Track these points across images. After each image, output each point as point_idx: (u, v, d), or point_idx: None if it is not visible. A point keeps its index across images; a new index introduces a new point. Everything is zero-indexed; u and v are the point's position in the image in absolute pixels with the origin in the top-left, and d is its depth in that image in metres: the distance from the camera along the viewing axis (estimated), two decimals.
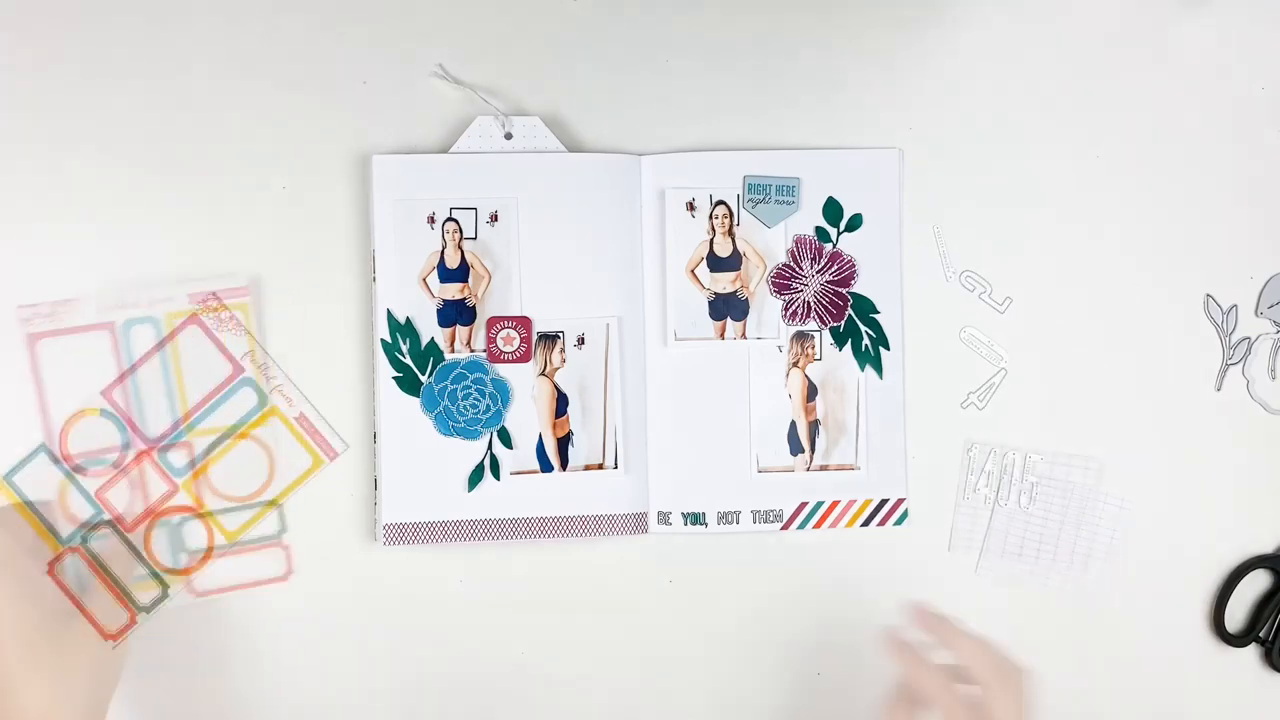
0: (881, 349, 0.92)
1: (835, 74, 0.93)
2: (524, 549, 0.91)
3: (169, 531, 0.89)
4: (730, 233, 0.92)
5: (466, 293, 0.90)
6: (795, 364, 0.92)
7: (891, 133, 0.93)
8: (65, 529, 0.88)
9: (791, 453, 0.92)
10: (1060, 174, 0.94)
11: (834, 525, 0.92)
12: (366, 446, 0.90)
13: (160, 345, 0.89)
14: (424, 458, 0.89)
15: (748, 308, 0.92)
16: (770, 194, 0.92)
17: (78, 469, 0.88)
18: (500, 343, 0.90)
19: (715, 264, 0.92)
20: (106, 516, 0.89)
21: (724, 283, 0.92)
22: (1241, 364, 0.95)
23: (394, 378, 0.89)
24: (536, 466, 0.90)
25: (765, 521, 0.92)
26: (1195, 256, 0.95)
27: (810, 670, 0.93)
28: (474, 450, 0.90)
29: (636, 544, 0.92)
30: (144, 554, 0.89)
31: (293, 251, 0.90)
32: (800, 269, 0.92)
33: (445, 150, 0.90)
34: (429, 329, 0.89)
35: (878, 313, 0.92)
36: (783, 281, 0.92)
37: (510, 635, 0.91)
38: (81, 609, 0.87)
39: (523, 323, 0.90)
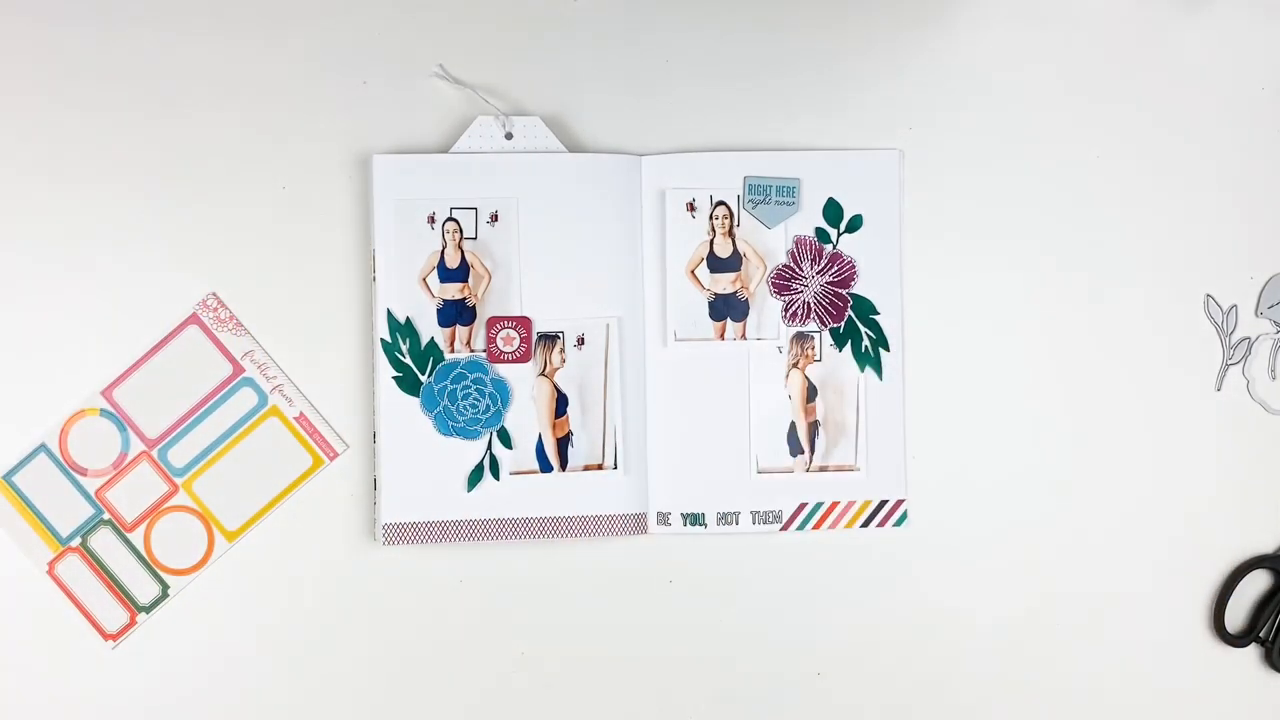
0: (881, 350, 0.92)
1: (835, 74, 0.93)
2: (524, 549, 0.91)
3: (169, 531, 0.89)
4: (730, 233, 0.92)
5: (466, 293, 0.90)
6: (795, 365, 0.92)
7: (891, 133, 0.93)
8: (65, 529, 0.89)
9: (791, 453, 0.92)
10: (1060, 174, 0.94)
11: (833, 526, 0.92)
12: (366, 446, 0.90)
13: (160, 345, 0.89)
14: (424, 458, 0.89)
15: (748, 308, 0.92)
16: (770, 195, 0.92)
17: (78, 469, 0.89)
18: (500, 343, 0.90)
19: (715, 264, 0.92)
20: (106, 516, 0.89)
21: (724, 283, 0.92)
22: (1241, 364, 0.95)
23: (394, 378, 0.89)
24: (536, 466, 0.90)
25: (765, 522, 0.92)
26: (1195, 256, 0.95)
27: (810, 670, 0.93)
28: (474, 450, 0.90)
29: (636, 544, 0.92)
30: (144, 554, 0.89)
31: (293, 251, 0.90)
32: (800, 270, 0.92)
33: (445, 150, 0.90)
34: (429, 329, 0.89)
35: (878, 314, 0.92)
36: (783, 282, 0.92)
37: (510, 635, 0.91)
38: (81, 609, 0.87)
39: (523, 323, 0.90)
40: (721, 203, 0.92)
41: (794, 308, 0.92)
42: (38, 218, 0.88)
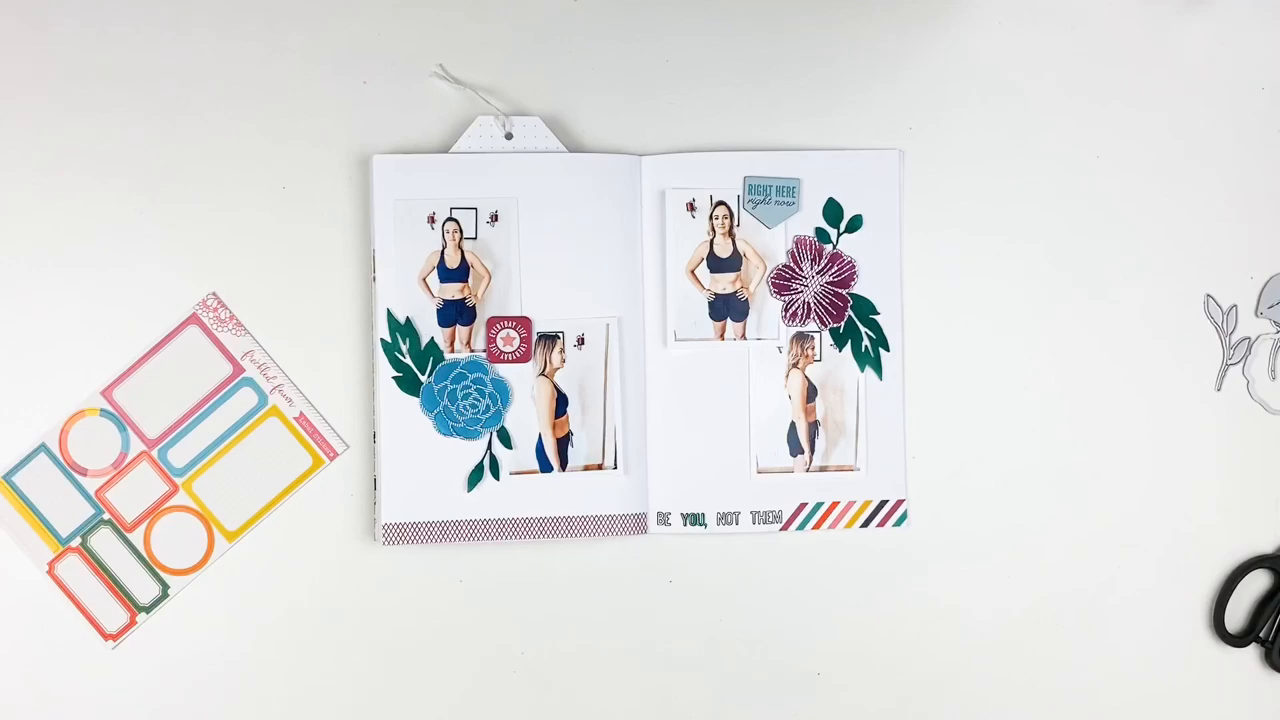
0: (881, 350, 0.92)
1: (835, 74, 0.93)
2: (524, 549, 0.91)
3: (169, 531, 0.89)
4: (730, 233, 0.92)
5: (466, 293, 0.90)
6: (795, 365, 0.92)
7: (891, 133, 0.93)
8: (65, 529, 0.89)
9: (791, 453, 0.92)
10: (1060, 174, 0.94)
11: (833, 526, 0.92)
12: (366, 446, 0.90)
13: (160, 345, 0.89)
14: (424, 458, 0.89)
15: (748, 308, 0.92)
16: (770, 195, 0.92)
17: (78, 469, 0.89)
18: (500, 343, 0.90)
19: (715, 264, 0.92)
20: (106, 516, 0.89)
21: (724, 283, 0.92)
22: (1241, 364, 0.95)
23: (394, 378, 0.89)
24: (536, 466, 0.90)
25: (765, 522, 0.92)
26: (1195, 256, 0.95)
27: (810, 670, 0.93)
28: (473, 450, 0.90)
29: (636, 544, 0.92)
30: (144, 554, 0.89)
31: (293, 251, 0.90)
32: (800, 270, 0.92)
33: (445, 150, 0.90)
34: (429, 329, 0.89)
35: (878, 314, 0.92)
36: (783, 282, 0.92)
37: (510, 635, 0.91)
38: (81, 609, 0.87)
39: (523, 323, 0.90)
40: (721, 203, 0.92)
41: (794, 308, 0.92)
42: (38, 218, 0.88)
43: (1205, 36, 0.95)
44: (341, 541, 0.90)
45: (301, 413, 0.90)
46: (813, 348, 0.92)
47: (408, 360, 0.89)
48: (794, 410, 0.92)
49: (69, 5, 0.89)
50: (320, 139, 0.90)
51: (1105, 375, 0.94)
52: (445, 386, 0.89)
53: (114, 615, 0.89)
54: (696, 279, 0.92)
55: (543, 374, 0.90)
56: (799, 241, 0.92)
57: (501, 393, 0.90)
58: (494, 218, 0.90)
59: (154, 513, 0.89)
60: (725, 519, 0.92)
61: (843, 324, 0.92)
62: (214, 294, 0.89)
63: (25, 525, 0.88)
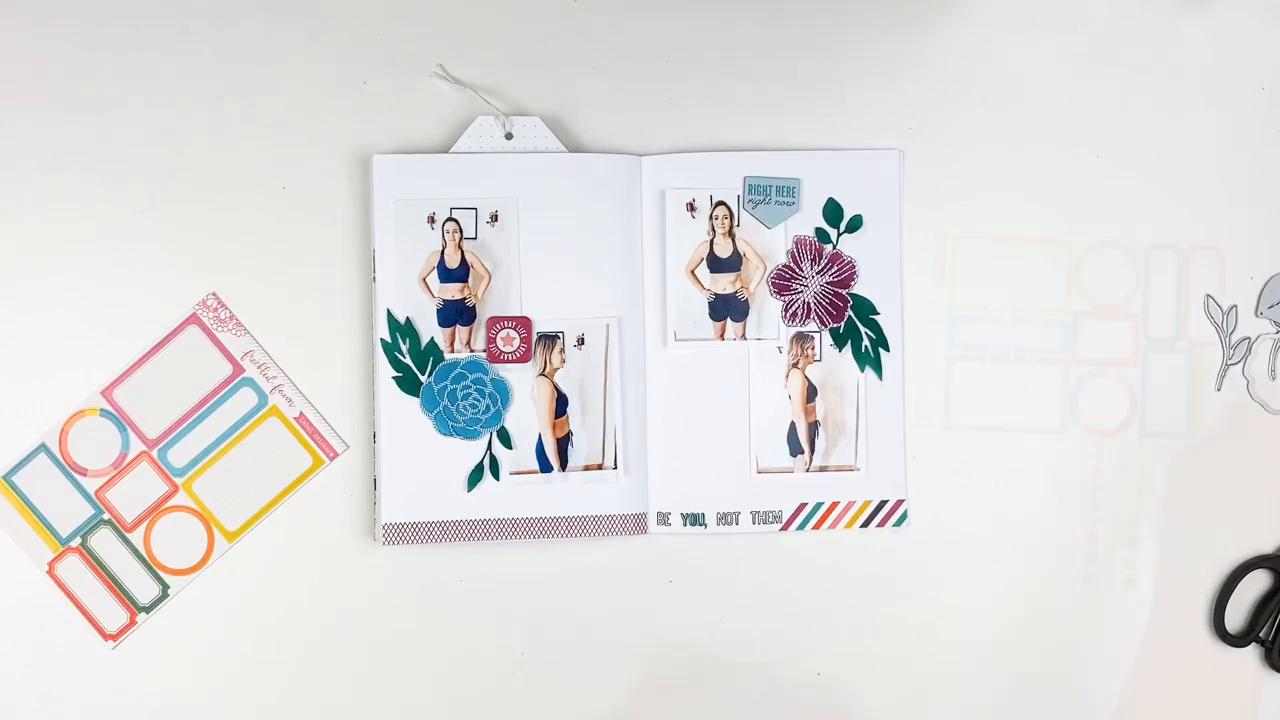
0: (881, 350, 0.92)
1: (835, 74, 0.93)
2: (523, 549, 0.91)
3: (169, 531, 0.89)
4: (730, 233, 0.92)
5: (466, 293, 0.90)
6: (795, 365, 0.92)
7: (891, 133, 0.93)
8: (65, 529, 0.89)
9: (791, 454, 0.92)
10: (1060, 174, 0.94)
11: (833, 526, 0.92)
12: (366, 446, 0.90)
13: (160, 345, 0.89)
14: (423, 458, 0.89)
15: (748, 308, 0.92)
16: (770, 195, 0.92)
17: (78, 469, 0.89)
18: (500, 343, 0.90)
19: (715, 265, 0.92)
20: (106, 516, 0.89)
21: (724, 283, 0.92)
22: (1241, 364, 0.95)
23: (394, 378, 0.89)
24: (536, 467, 0.90)
25: (764, 522, 0.92)
26: (1195, 256, 0.95)
27: (810, 670, 0.93)
28: (473, 450, 0.90)
29: (636, 544, 0.92)
30: (144, 554, 0.89)
31: (293, 251, 0.90)
32: (800, 270, 0.92)
33: (445, 150, 0.90)
34: (429, 329, 0.89)
35: (878, 314, 0.92)
36: (783, 282, 0.92)
37: (510, 635, 0.91)
38: (81, 609, 0.87)
39: (523, 323, 0.90)
40: (721, 203, 0.92)
41: (794, 308, 0.92)
42: (38, 218, 0.88)
43: (1205, 36, 0.95)
44: (341, 541, 0.90)
45: (301, 413, 0.90)
46: (813, 348, 0.92)
47: (408, 360, 0.89)
48: (794, 410, 0.92)
49: (69, 5, 0.89)
50: (320, 139, 0.90)
51: (1105, 375, 0.94)
52: (445, 386, 0.89)
53: (114, 615, 0.89)
54: (696, 279, 0.92)
55: (543, 374, 0.90)
56: (799, 241, 0.92)
57: (501, 393, 0.90)
58: (494, 218, 0.90)
59: (154, 513, 0.89)
60: (725, 519, 0.92)
61: (843, 324, 0.92)
62: (214, 294, 0.89)
63: (25, 525, 0.88)
